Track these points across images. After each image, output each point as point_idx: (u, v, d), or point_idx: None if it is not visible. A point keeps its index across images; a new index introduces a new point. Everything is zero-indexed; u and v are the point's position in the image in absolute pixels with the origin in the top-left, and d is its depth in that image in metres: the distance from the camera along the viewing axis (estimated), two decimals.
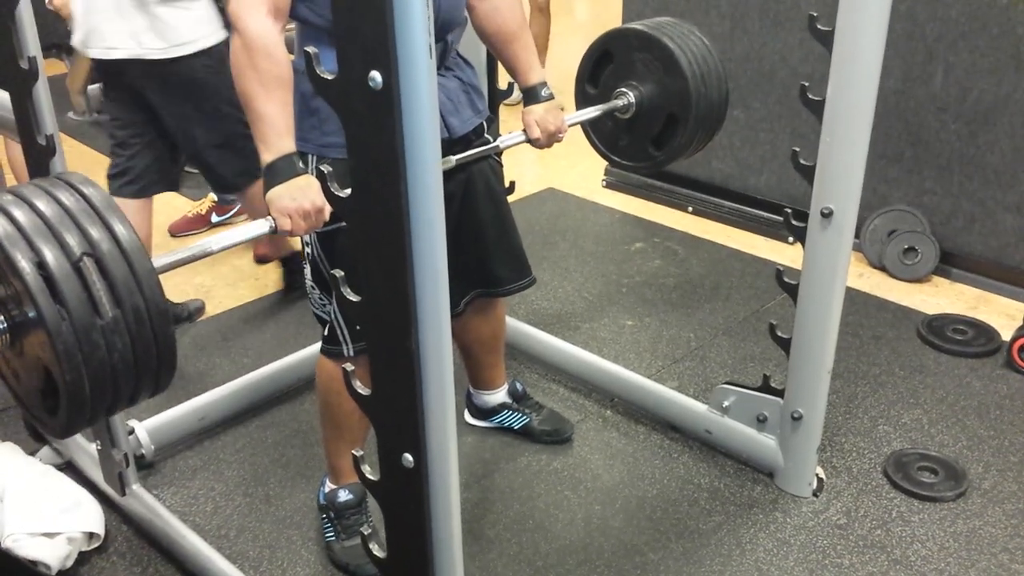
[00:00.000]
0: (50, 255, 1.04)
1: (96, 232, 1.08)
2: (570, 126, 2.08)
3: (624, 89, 2.14)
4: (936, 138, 3.12)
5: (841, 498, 2.20)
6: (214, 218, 3.69)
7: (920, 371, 2.68)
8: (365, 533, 1.39)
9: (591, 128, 2.25)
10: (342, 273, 1.19)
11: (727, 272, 3.28)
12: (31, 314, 1.04)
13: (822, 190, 1.92)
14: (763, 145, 3.54)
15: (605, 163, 4.07)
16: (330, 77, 1.06)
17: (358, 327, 1.83)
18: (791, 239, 3.43)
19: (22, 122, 1.78)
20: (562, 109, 2.09)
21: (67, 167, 1.84)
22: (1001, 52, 2.90)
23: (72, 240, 1.06)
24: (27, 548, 1.95)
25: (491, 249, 2.08)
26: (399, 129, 1.03)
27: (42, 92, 1.73)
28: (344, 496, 2.04)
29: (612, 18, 3.90)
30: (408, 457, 1.23)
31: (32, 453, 2.28)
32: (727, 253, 3.42)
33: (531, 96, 2.04)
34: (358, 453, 1.31)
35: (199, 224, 3.67)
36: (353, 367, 1.25)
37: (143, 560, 2.05)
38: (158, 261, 1.30)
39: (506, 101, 2.55)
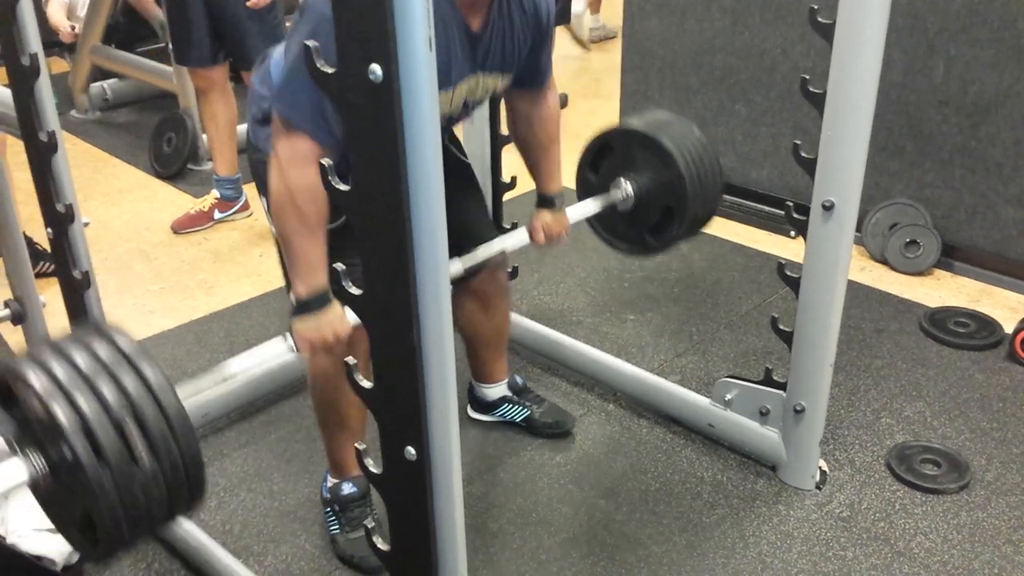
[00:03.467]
0: (93, 415, 1.09)
1: (131, 383, 1.13)
2: (573, 222, 2.19)
3: (624, 181, 2.20)
4: (937, 131, 3.11)
5: (844, 491, 2.21)
6: (216, 215, 3.68)
7: (922, 364, 2.68)
8: (369, 526, 1.40)
9: (593, 217, 2.32)
10: (343, 267, 1.19)
11: (729, 266, 3.28)
12: (71, 461, 1.09)
13: (823, 183, 1.92)
14: (764, 139, 3.54)
15: None
16: (330, 71, 1.07)
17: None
18: (793, 233, 3.43)
19: (24, 119, 1.78)
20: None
21: (69, 165, 1.85)
22: (1002, 45, 2.89)
23: (111, 395, 1.11)
24: (31, 543, 1.96)
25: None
26: (399, 122, 1.03)
27: (44, 88, 1.74)
28: (349, 489, 2.05)
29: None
30: (411, 450, 1.23)
31: None
32: (729, 247, 3.42)
33: (544, 202, 2.15)
34: (361, 446, 1.31)
35: (202, 221, 3.67)
36: (355, 360, 1.26)
37: (147, 555, 2.05)
38: (183, 390, 1.35)
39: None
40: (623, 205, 2.21)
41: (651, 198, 2.19)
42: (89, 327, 1.20)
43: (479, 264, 2.06)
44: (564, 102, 2.13)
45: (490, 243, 2.08)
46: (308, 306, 1.65)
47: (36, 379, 1.10)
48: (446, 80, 1.72)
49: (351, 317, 1.63)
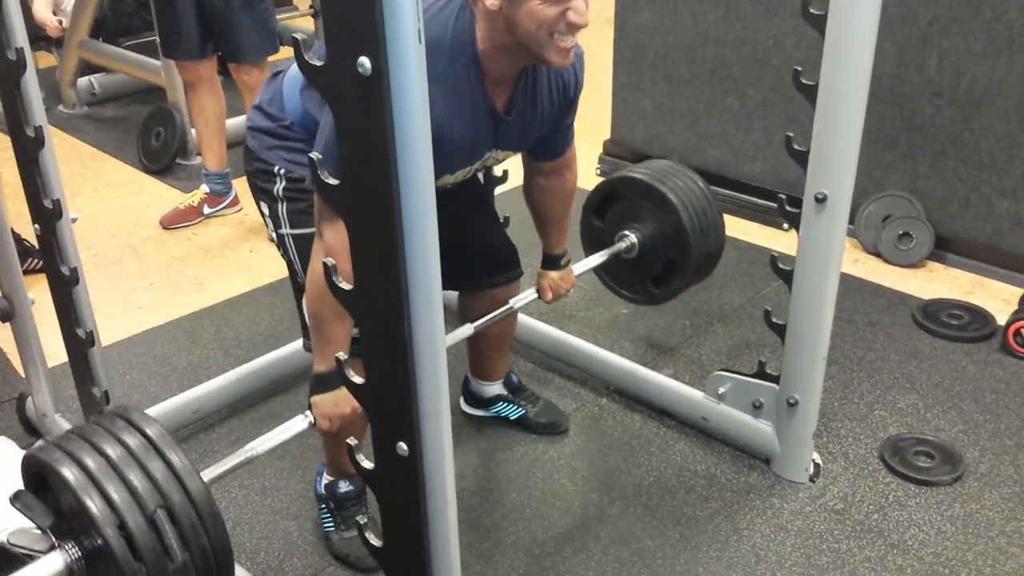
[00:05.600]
0: (128, 514, 1.13)
1: (162, 474, 1.19)
2: (579, 275, 2.23)
3: (627, 232, 2.29)
4: (930, 123, 3.11)
5: (838, 483, 2.20)
6: (206, 210, 3.66)
7: (915, 356, 2.68)
8: (362, 522, 1.39)
9: (599, 265, 2.36)
10: (333, 262, 1.18)
11: (721, 259, 3.26)
12: (106, 554, 1.12)
13: (816, 176, 1.91)
14: (757, 131, 3.53)
15: (599, 151, 4.07)
16: (319, 64, 1.05)
17: None
18: (786, 225, 3.42)
19: (10, 113, 1.77)
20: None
21: (57, 160, 1.83)
22: (995, 36, 2.89)
23: (143, 489, 1.15)
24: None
25: (477, 247, 2.15)
26: (389, 116, 1.02)
27: (30, 83, 1.72)
28: (344, 487, 2.04)
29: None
30: (403, 446, 1.22)
31: (26, 447, 2.27)
32: None
33: (550, 263, 2.17)
34: (353, 443, 1.31)
35: (191, 216, 3.65)
36: (347, 357, 1.25)
37: None
38: (208, 474, 1.42)
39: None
40: (627, 254, 2.29)
41: (654, 249, 2.28)
42: (116, 414, 1.25)
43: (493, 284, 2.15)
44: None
45: (501, 309, 2.13)
46: (326, 381, 1.65)
47: (70, 473, 1.13)
48: (468, 160, 1.75)
49: None
